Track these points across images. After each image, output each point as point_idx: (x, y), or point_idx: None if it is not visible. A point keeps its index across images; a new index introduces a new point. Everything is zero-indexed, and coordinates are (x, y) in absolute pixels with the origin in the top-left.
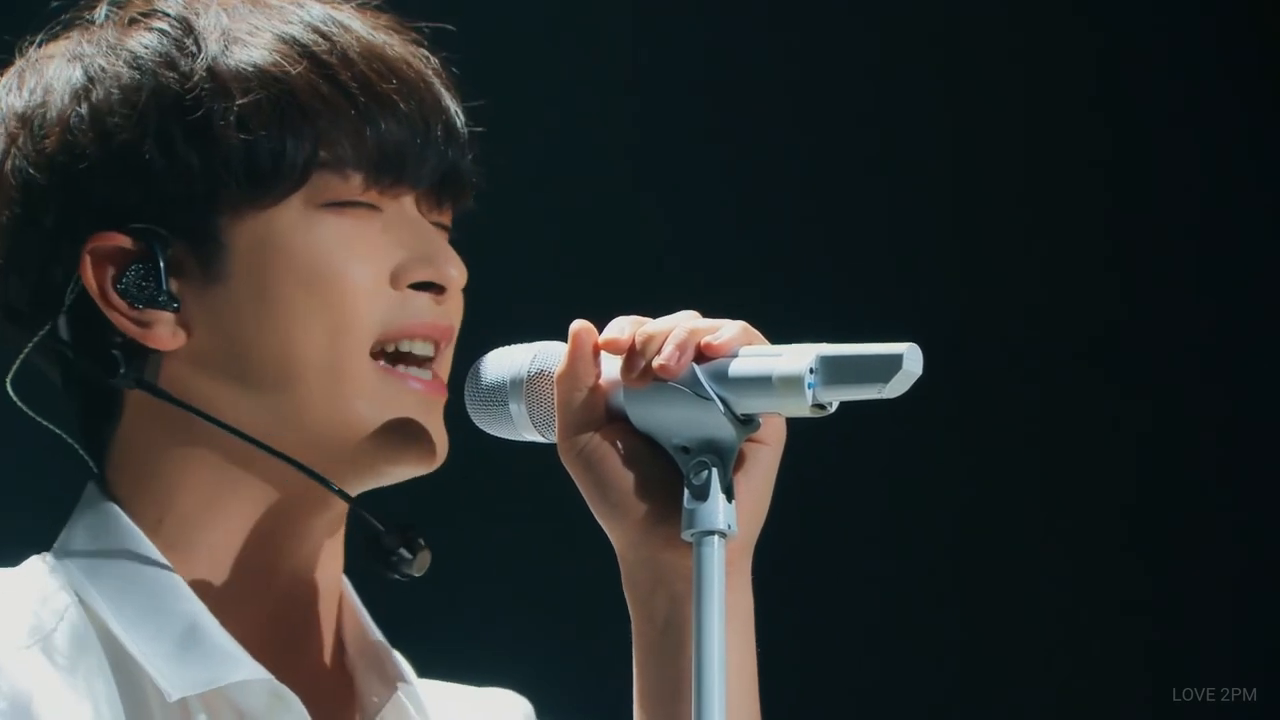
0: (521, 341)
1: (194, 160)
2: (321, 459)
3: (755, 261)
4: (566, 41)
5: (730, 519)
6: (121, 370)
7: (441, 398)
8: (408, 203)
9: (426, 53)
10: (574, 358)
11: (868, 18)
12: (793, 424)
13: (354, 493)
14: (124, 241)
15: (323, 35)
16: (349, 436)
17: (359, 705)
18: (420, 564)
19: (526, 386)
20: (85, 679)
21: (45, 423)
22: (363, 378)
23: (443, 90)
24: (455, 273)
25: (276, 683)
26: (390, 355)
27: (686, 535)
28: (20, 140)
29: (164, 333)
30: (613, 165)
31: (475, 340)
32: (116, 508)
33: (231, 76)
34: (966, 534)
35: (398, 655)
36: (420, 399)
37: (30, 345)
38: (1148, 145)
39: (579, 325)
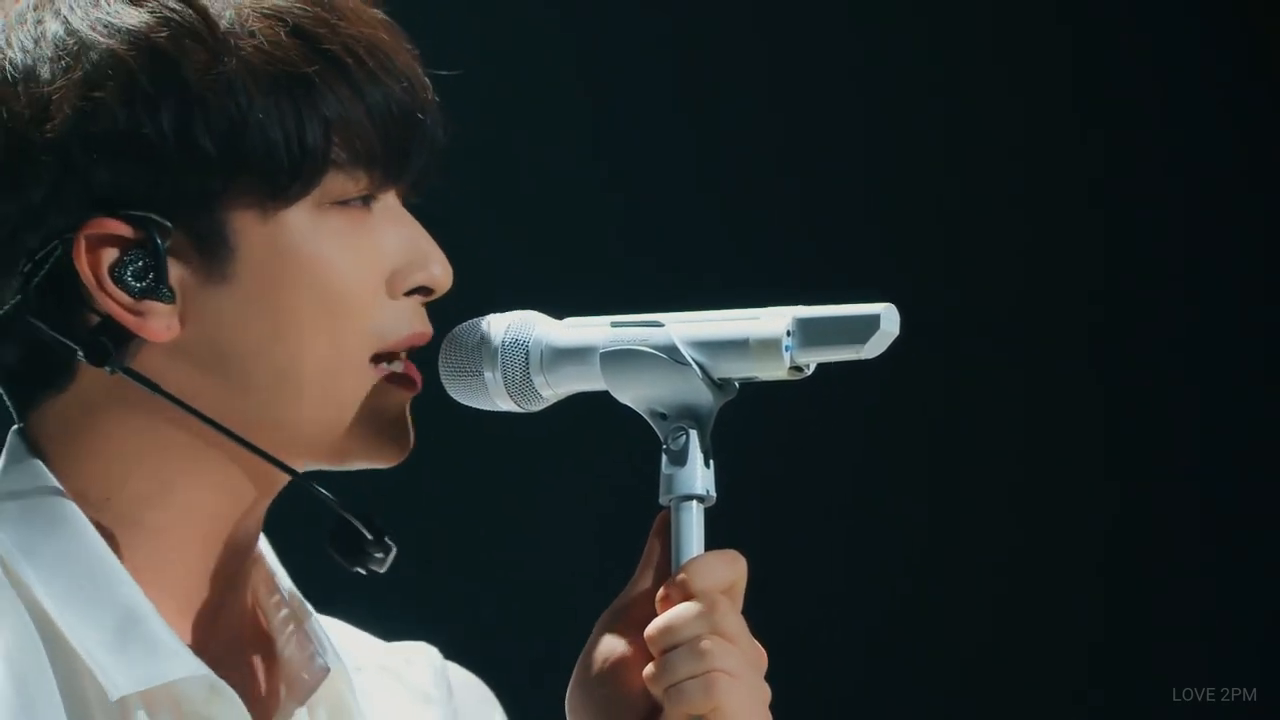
0: None
1: (213, 154)
2: (284, 446)
3: (726, 241)
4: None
5: (709, 484)
6: (112, 357)
7: (417, 392)
8: (392, 192)
9: (398, 27)
10: None
11: (854, 8)
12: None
13: (301, 470)
14: (124, 229)
15: (328, 26)
16: (333, 432)
17: (288, 681)
18: (385, 560)
19: (501, 354)
20: (21, 666)
21: None
22: (360, 384)
23: (421, 71)
24: (441, 274)
25: (215, 677)
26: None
27: (664, 500)
28: (13, 105)
29: (159, 325)
30: (583, 148)
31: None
32: (49, 474)
33: (251, 69)
34: (965, 531)
35: (313, 615)
36: (405, 401)
37: None
38: (1139, 137)
39: None
